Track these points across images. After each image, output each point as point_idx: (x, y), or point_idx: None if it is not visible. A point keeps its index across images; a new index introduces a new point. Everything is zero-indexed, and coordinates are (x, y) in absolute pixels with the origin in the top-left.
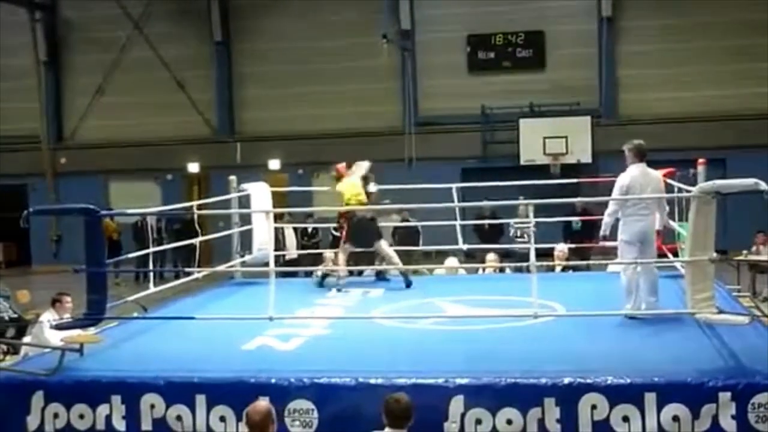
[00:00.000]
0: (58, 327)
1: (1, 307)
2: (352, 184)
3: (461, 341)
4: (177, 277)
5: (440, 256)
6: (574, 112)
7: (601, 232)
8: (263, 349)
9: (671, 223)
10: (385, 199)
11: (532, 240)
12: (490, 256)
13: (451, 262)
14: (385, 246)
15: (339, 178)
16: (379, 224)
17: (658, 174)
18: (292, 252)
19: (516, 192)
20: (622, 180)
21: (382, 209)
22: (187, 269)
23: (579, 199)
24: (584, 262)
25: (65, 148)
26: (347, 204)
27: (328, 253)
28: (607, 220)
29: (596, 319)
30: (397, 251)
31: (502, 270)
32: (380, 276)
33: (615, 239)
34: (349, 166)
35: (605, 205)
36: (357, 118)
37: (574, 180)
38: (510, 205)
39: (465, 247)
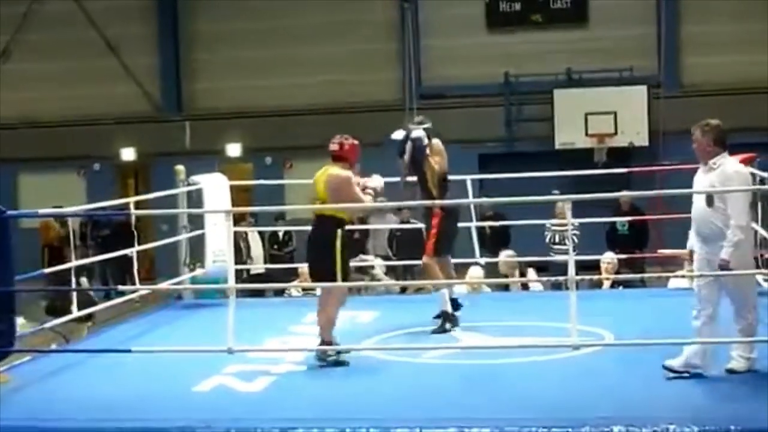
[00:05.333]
0: None
1: None
2: None
3: (479, 380)
4: (108, 297)
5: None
6: (625, 81)
7: (724, 255)
8: (220, 391)
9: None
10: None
11: (571, 247)
12: (508, 260)
13: (475, 273)
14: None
15: (342, 158)
16: (372, 227)
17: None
18: (258, 265)
19: (549, 185)
20: (744, 174)
21: (374, 208)
22: (120, 287)
23: (643, 193)
24: (639, 276)
25: None
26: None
27: (306, 268)
28: (740, 236)
29: (654, 350)
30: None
31: (525, 286)
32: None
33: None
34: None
35: (663, 203)
36: (342, 90)
37: (625, 169)
38: (542, 202)
39: (483, 260)
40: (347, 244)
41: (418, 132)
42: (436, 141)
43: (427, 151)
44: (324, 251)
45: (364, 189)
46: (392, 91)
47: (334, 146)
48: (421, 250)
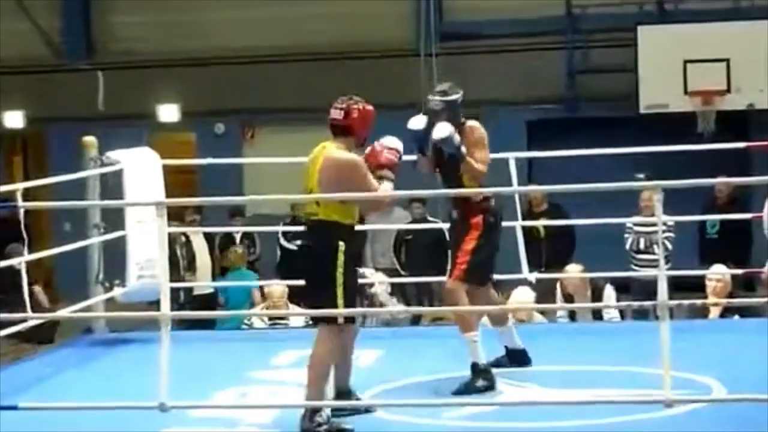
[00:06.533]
0: None
1: None
2: None
3: None
4: None
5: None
6: (742, 13)
7: None
8: None
9: None
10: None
11: (662, 257)
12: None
13: (523, 296)
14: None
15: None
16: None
17: None
18: (204, 282)
19: (631, 166)
20: None
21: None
22: (1, 316)
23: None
24: (753, 300)
25: None
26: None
27: (275, 288)
28: None
29: None
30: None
31: (597, 314)
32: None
33: None
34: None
35: None
36: (330, 29)
37: (743, 143)
38: (620, 191)
39: (532, 276)
40: (352, 260)
41: (444, 129)
42: (473, 126)
43: (463, 149)
44: (318, 273)
45: (379, 158)
46: (402, 31)
47: (335, 113)
48: (442, 264)
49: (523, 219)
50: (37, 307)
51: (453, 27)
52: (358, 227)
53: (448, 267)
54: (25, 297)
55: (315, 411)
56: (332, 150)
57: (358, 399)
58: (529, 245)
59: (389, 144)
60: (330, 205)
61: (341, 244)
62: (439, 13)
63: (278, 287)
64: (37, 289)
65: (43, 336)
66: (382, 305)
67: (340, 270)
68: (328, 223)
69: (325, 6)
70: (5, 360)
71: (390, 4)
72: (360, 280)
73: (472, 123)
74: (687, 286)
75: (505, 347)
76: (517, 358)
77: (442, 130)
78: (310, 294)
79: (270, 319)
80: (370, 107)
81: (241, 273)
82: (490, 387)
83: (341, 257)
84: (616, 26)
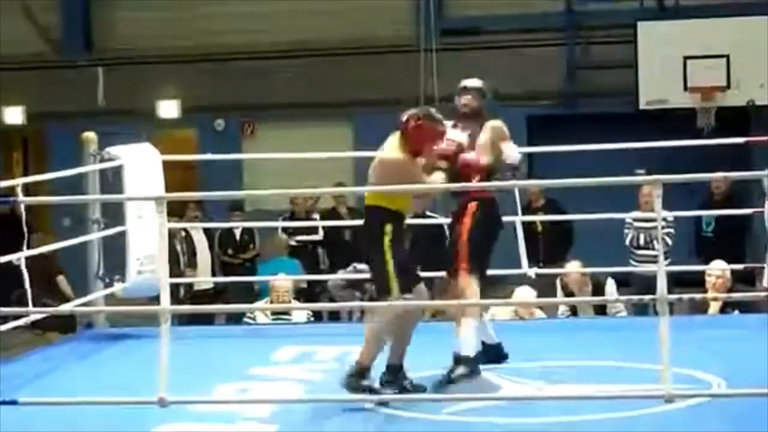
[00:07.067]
0: None
1: None
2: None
3: None
4: None
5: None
6: (743, 9)
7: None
8: None
9: None
10: None
11: (662, 252)
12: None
13: (525, 294)
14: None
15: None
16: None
17: None
18: (204, 277)
19: (631, 162)
20: None
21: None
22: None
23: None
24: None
25: None
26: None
27: (282, 283)
28: None
29: None
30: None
31: (600, 309)
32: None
33: None
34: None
35: None
36: (330, 24)
37: (742, 139)
38: (619, 185)
39: (532, 271)
40: (398, 239)
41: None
42: (494, 126)
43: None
44: (371, 252)
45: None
46: (402, 25)
47: (403, 115)
48: (447, 261)
49: (526, 214)
50: (60, 296)
51: (453, 22)
52: (353, 222)
53: (453, 264)
54: (26, 289)
55: (363, 371)
56: (388, 145)
57: (407, 379)
58: (528, 241)
59: (450, 136)
60: (377, 192)
61: (388, 226)
62: (439, 9)
63: (283, 282)
64: (61, 278)
65: (66, 326)
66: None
67: (387, 247)
68: (376, 208)
69: (325, 2)
70: (22, 349)
71: (390, 0)
72: (358, 276)
73: (494, 124)
74: (685, 282)
75: (482, 342)
76: (494, 353)
77: (514, 154)
78: (371, 269)
79: (273, 313)
80: (430, 126)
81: (282, 262)
82: (473, 374)
83: (388, 237)
84: (616, 22)
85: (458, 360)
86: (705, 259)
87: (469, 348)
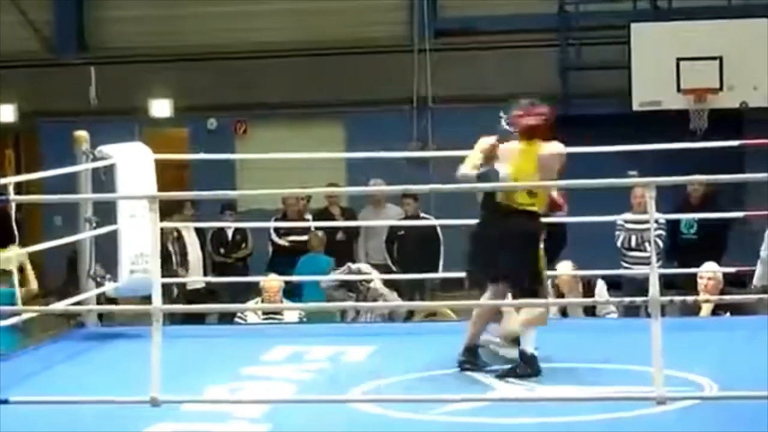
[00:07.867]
0: None
1: None
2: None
3: None
4: None
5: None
6: (736, 11)
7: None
8: None
9: None
10: (377, 177)
11: (654, 255)
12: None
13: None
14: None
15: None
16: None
17: None
18: (196, 277)
19: (624, 164)
20: None
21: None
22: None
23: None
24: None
25: None
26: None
27: (272, 282)
28: None
29: None
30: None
31: (590, 311)
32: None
33: None
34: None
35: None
36: (324, 25)
37: (736, 141)
38: (612, 187)
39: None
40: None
41: None
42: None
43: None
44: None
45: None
46: (396, 26)
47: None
48: (433, 260)
49: None
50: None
51: (447, 23)
52: (350, 223)
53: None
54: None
55: (472, 347)
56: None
57: (478, 357)
58: None
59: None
60: (543, 198)
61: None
62: (433, 10)
63: (274, 282)
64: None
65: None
66: (382, 297)
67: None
68: (537, 215)
69: (318, 2)
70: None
71: (384, 0)
72: (358, 276)
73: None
74: (673, 285)
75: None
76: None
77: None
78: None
79: (264, 313)
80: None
81: (317, 258)
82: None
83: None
84: (609, 24)
85: (522, 357)
86: (682, 262)
87: (530, 346)
